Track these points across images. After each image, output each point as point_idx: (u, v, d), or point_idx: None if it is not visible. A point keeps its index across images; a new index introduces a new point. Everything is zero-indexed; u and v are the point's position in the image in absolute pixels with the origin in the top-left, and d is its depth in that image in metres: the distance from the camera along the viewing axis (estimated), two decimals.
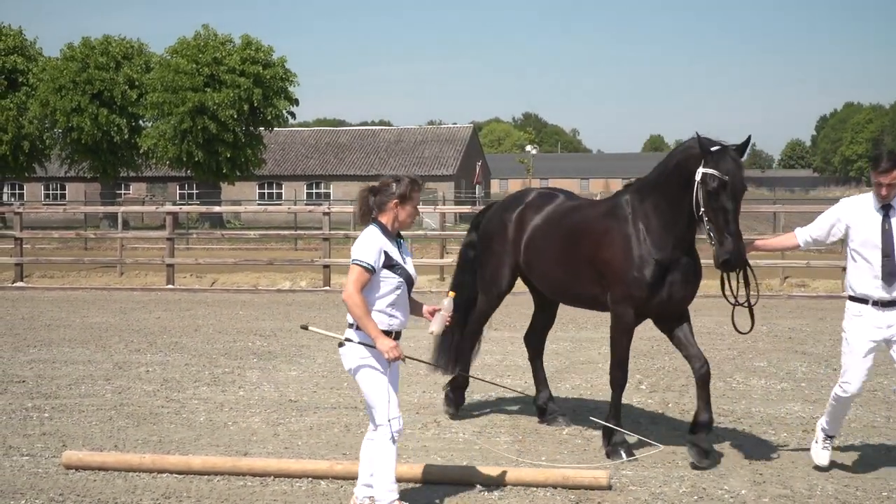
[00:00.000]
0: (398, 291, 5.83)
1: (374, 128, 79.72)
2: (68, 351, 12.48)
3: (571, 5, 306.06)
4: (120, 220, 25.88)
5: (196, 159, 49.52)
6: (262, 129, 52.52)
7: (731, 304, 7.13)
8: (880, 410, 9.01)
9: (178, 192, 65.53)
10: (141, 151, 51.71)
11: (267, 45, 51.07)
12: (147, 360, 11.78)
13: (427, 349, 11.73)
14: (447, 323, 6.02)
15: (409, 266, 5.95)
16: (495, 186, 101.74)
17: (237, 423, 8.63)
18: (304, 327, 6.48)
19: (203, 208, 32.19)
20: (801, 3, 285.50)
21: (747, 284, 7.01)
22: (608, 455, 7.37)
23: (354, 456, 7.24)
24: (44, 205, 58.73)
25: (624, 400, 9.17)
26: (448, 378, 8.81)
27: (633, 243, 7.18)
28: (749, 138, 6.90)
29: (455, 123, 77.66)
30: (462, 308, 8.77)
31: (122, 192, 64.22)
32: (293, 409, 9.09)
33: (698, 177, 6.72)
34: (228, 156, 49.84)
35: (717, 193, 6.62)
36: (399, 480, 6.69)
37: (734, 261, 6.62)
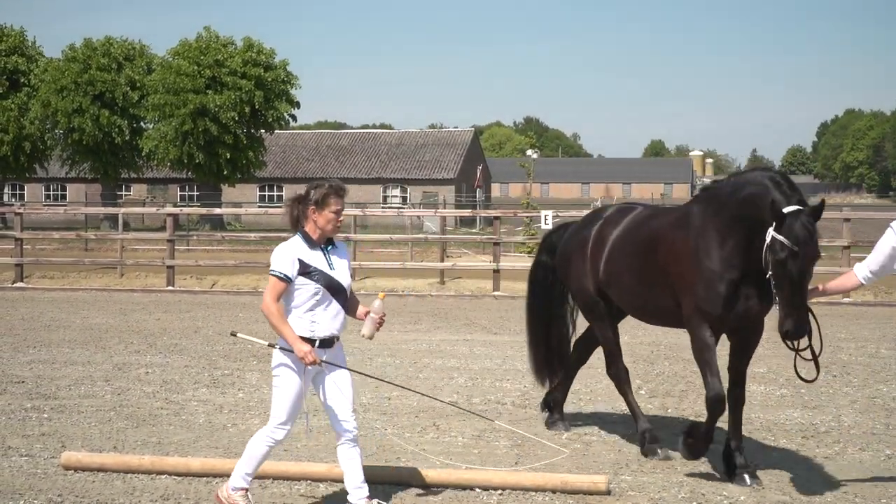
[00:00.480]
0: (317, 297, 5.93)
1: (375, 131, 79.74)
2: (68, 352, 12.47)
3: (573, 10, 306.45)
4: (120, 222, 25.90)
5: (197, 161, 49.58)
6: (263, 131, 52.60)
7: (790, 349, 6.70)
8: (880, 417, 9.01)
9: (178, 193, 65.54)
10: (142, 153, 51.74)
11: (269, 47, 51.22)
12: (147, 361, 11.78)
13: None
14: (378, 325, 6.14)
15: (340, 272, 6.01)
16: (496, 190, 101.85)
17: (236, 425, 8.62)
18: (234, 334, 6.71)
19: (204, 210, 32.23)
20: (801, 10, 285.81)
21: (809, 332, 6.56)
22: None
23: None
24: (44, 205, 58.60)
25: (623, 406, 9.17)
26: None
27: (702, 257, 6.78)
28: (822, 203, 6.35)
29: (456, 127, 77.87)
30: (542, 325, 8.63)
31: (123, 193, 64.24)
32: None
33: (768, 238, 6.27)
34: (229, 158, 49.90)
35: (785, 263, 6.19)
36: (400, 484, 6.71)
37: (795, 334, 6.31)
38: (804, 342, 6.58)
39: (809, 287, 6.44)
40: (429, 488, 6.68)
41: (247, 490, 6.14)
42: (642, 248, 7.39)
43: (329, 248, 6.04)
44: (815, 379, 6.87)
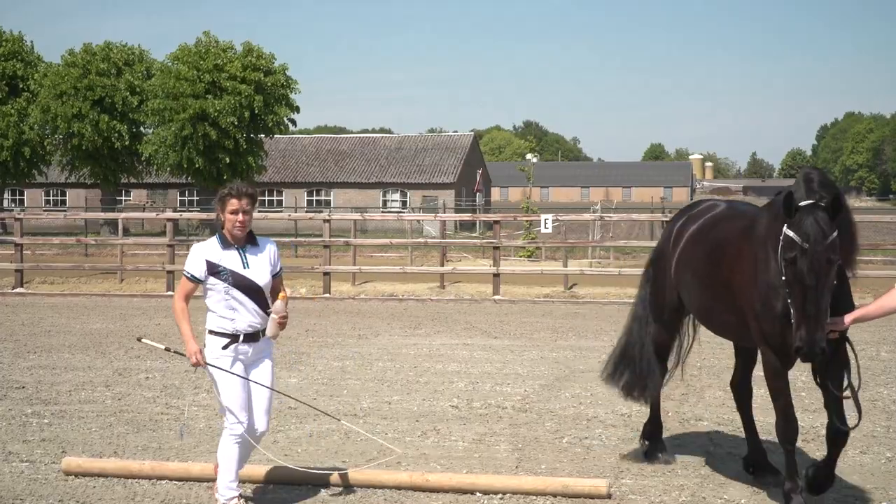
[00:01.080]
0: (230, 295, 6.08)
1: (374, 135, 79.76)
2: (68, 357, 12.47)
3: (573, 14, 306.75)
4: (120, 227, 25.95)
5: (196, 166, 49.53)
6: (262, 136, 52.55)
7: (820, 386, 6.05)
8: (880, 420, 9.00)
9: (178, 198, 65.59)
10: (142, 158, 51.73)
11: (268, 52, 51.20)
12: (147, 366, 11.78)
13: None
14: (280, 325, 6.24)
15: (255, 271, 6.13)
16: (496, 194, 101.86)
17: None
18: (139, 339, 7.04)
19: (203, 215, 32.19)
20: (801, 13, 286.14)
21: (848, 370, 5.91)
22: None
23: (354, 463, 7.25)
24: (44, 211, 58.61)
25: (623, 409, 9.19)
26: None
27: (760, 270, 5.98)
28: (837, 197, 5.56)
29: (456, 131, 77.82)
30: (650, 328, 7.59)
31: (123, 198, 64.25)
32: (293, 417, 9.07)
33: (781, 236, 5.62)
34: (229, 162, 49.86)
35: (794, 263, 5.48)
36: (401, 488, 6.70)
37: (807, 352, 5.43)
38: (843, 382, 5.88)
39: (847, 318, 5.80)
40: (430, 493, 6.68)
41: (239, 496, 6.18)
42: (708, 253, 6.76)
43: (247, 247, 6.16)
44: (857, 424, 6.01)
